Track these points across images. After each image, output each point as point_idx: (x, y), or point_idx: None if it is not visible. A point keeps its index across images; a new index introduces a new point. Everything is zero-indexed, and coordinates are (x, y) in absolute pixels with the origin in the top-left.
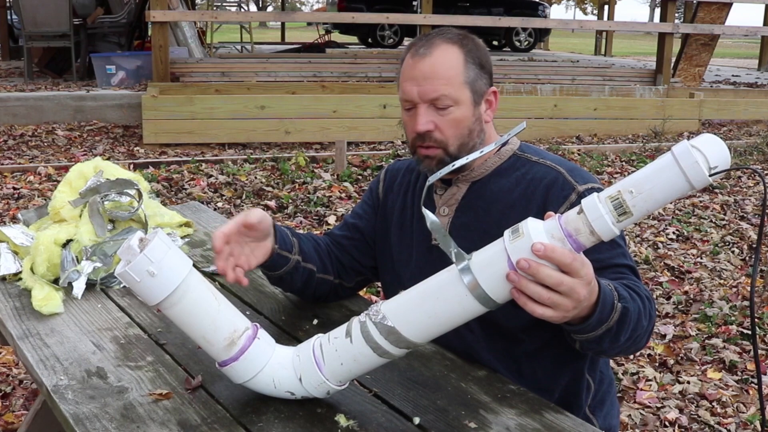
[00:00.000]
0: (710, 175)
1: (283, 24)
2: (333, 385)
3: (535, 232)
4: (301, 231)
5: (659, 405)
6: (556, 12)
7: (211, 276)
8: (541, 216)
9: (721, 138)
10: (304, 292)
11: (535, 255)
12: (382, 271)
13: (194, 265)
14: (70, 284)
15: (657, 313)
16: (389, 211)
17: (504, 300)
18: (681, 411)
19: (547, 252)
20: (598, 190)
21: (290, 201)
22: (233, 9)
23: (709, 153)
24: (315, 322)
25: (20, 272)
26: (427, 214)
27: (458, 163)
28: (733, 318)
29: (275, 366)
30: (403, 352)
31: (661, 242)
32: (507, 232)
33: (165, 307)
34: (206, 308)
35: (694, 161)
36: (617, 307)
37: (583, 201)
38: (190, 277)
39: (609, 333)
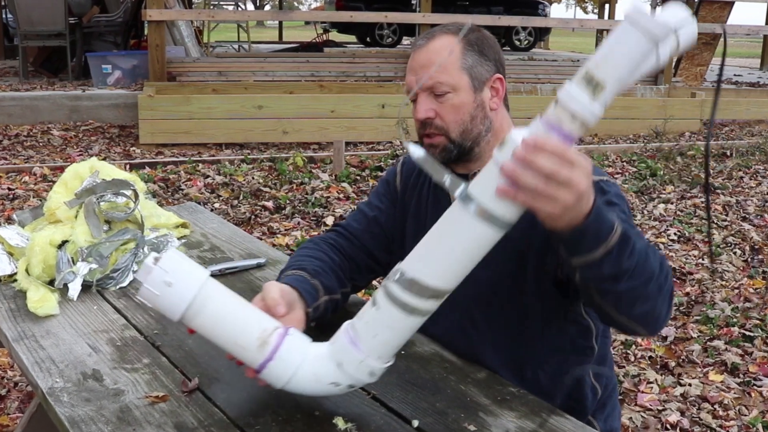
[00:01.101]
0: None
1: (280, 23)
2: (374, 362)
3: (519, 135)
4: (298, 232)
5: (660, 407)
6: (556, 11)
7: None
8: None
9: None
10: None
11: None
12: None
13: None
14: (65, 286)
15: None
16: (407, 205)
17: (514, 216)
18: (682, 414)
19: (539, 143)
20: (608, 183)
21: (288, 201)
22: (230, 8)
23: (666, 9)
24: (313, 324)
25: (15, 273)
26: (409, 146)
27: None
28: (735, 320)
29: (313, 360)
30: (430, 304)
31: (663, 243)
32: (495, 149)
33: (190, 317)
34: (232, 310)
35: (646, 15)
36: (617, 228)
37: (557, 93)
38: (208, 282)
39: (609, 257)
